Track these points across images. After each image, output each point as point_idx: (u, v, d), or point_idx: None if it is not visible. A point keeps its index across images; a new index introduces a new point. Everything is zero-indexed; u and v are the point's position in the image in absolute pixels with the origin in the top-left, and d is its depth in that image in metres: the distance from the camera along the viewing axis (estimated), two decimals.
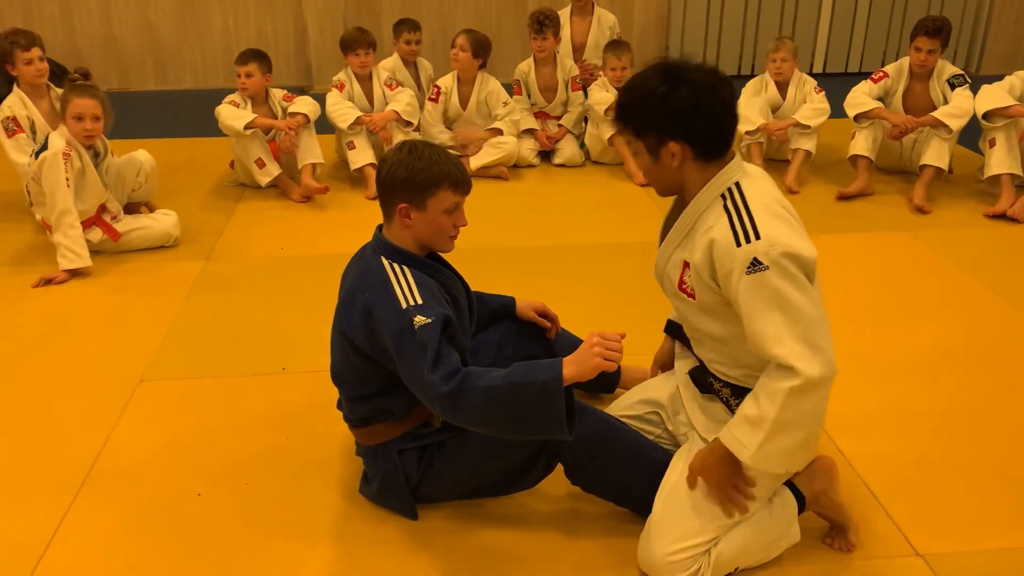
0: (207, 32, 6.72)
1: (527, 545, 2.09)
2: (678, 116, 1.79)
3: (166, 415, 2.65)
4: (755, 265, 1.73)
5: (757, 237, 1.74)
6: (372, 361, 2.02)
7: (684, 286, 1.92)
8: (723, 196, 1.83)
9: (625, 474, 2.06)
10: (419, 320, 1.90)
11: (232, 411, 2.67)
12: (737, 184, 1.83)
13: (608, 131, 4.80)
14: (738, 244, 1.75)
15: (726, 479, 1.88)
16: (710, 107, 1.79)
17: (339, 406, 2.26)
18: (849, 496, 2.17)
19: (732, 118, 1.84)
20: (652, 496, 1.99)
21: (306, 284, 3.51)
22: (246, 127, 4.34)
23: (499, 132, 4.81)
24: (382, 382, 2.06)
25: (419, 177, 2.00)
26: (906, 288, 3.50)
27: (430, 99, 4.93)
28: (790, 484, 2.06)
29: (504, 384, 1.80)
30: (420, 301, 1.94)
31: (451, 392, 1.82)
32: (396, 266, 2.02)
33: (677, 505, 1.92)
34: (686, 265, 1.89)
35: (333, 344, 2.16)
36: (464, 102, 4.92)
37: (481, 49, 4.78)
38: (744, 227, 1.76)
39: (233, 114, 4.38)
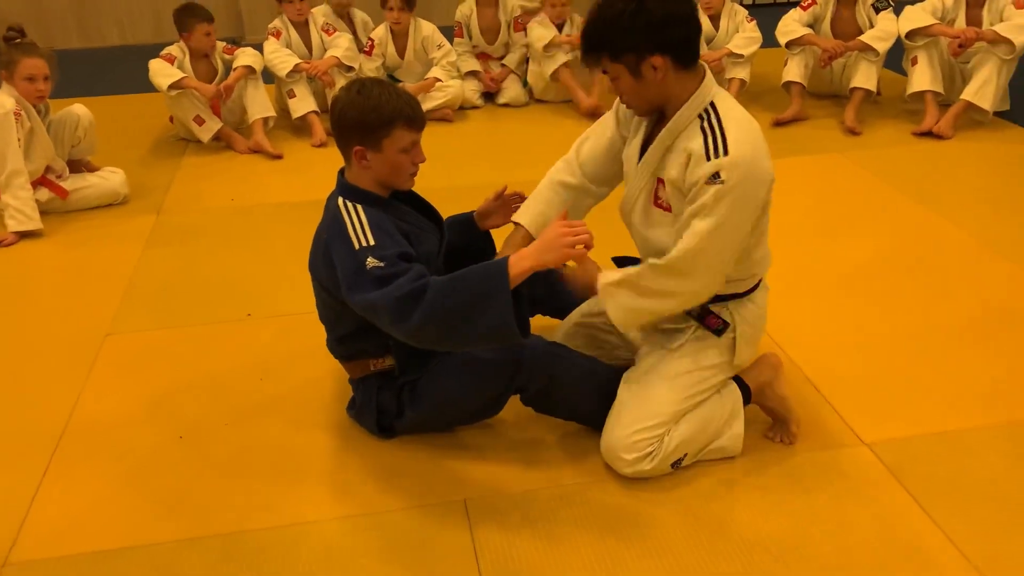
0: None
1: (497, 456, 2.22)
2: (655, 28, 1.85)
3: (137, 366, 2.68)
4: (715, 178, 1.86)
5: (725, 153, 1.87)
6: (342, 301, 2.08)
7: (660, 200, 2.04)
8: (700, 116, 1.94)
9: (577, 402, 2.21)
10: (371, 262, 1.92)
11: (203, 358, 2.71)
12: (712, 104, 1.94)
13: (551, 66, 4.83)
14: (708, 158, 1.88)
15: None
16: (681, 14, 1.89)
17: (327, 343, 2.32)
18: (796, 395, 2.33)
19: (699, 23, 1.95)
20: (601, 411, 2.14)
21: (261, 232, 3.53)
22: (170, 87, 4.24)
23: (437, 80, 4.81)
24: (355, 323, 2.11)
25: (371, 117, 2.00)
26: (841, 206, 3.68)
27: (364, 52, 4.88)
28: (736, 378, 2.23)
29: (450, 277, 1.87)
30: (373, 242, 1.96)
31: (405, 295, 1.84)
32: (350, 205, 2.04)
33: (640, 391, 2.10)
34: (660, 182, 2.02)
35: (313, 288, 2.22)
36: (401, 52, 4.90)
37: (412, 1, 4.78)
38: (716, 144, 1.88)
39: (161, 70, 4.27)
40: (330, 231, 2.05)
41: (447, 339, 1.91)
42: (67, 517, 2.08)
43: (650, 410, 2.06)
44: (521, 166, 4.10)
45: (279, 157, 4.38)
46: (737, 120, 1.93)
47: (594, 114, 4.76)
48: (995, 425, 2.30)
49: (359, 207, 2.04)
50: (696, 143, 1.91)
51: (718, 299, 2.11)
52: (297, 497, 2.12)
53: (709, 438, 2.14)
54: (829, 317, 2.83)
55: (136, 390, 2.55)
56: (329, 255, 2.04)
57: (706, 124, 1.92)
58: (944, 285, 3.00)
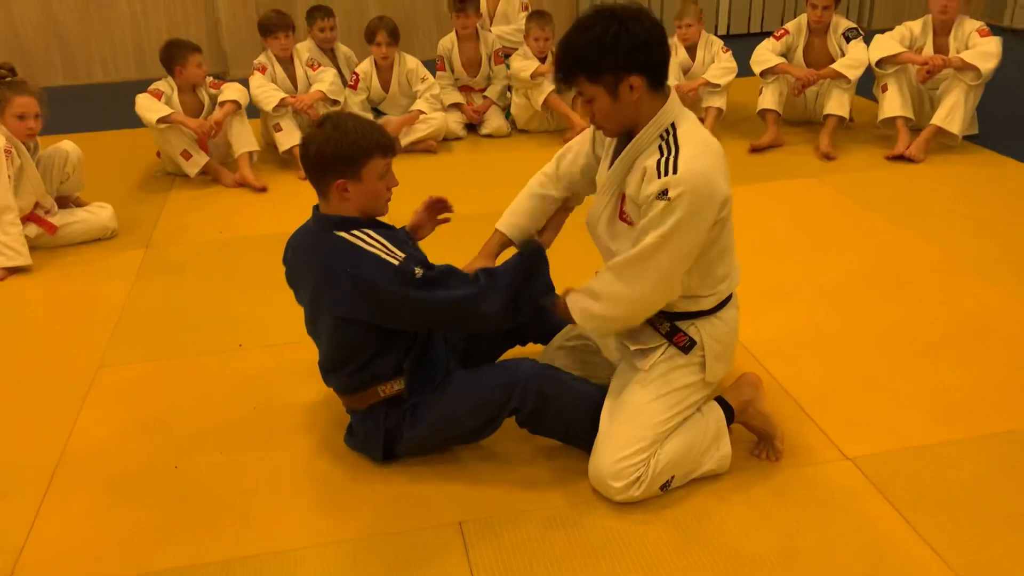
0: (115, 23, 6.57)
1: (492, 478, 2.26)
2: (635, 49, 1.94)
3: (130, 397, 2.70)
4: (663, 195, 1.94)
5: (675, 172, 1.94)
6: (368, 328, 2.13)
7: (624, 215, 2.12)
8: (661, 136, 2.02)
9: (570, 422, 2.26)
10: (419, 271, 2.05)
11: (196, 388, 2.73)
12: (673, 125, 2.03)
13: (540, 96, 4.89)
14: (659, 175, 1.96)
15: None
16: (658, 36, 1.98)
17: (327, 383, 2.35)
18: (779, 411, 2.38)
19: (669, 47, 2.05)
20: (591, 431, 2.19)
21: (251, 263, 3.57)
22: (159, 121, 4.29)
23: (421, 112, 4.88)
24: (375, 347, 2.17)
25: (350, 151, 2.06)
26: (819, 227, 3.77)
27: (349, 86, 4.96)
28: (719, 398, 2.28)
29: (508, 265, 2.20)
30: (403, 255, 2.07)
31: (483, 287, 2.11)
32: (357, 232, 2.10)
33: (620, 418, 2.15)
34: (623, 197, 2.11)
35: (320, 335, 2.25)
36: (385, 85, 4.98)
37: (398, 35, 4.88)
38: (668, 162, 1.96)
39: (149, 105, 4.33)
40: (353, 265, 2.07)
41: (514, 313, 2.19)
42: (64, 547, 2.09)
43: (632, 436, 2.10)
44: (505, 195, 4.14)
45: (264, 190, 4.42)
46: (694, 141, 2.01)
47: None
48: (973, 438, 2.36)
49: (365, 230, 2.10)
50: (652, 160, 1.99)
51: (685, 316, 2.17)
52: (293, 523, 2.15)
53: (696, 459, 2.19)
54: (809, 334, 2.90)
55: (130, 421, 2.57)
56: (360, 287, 2.06)
57: (664, 144, 2.00)
58: (920, 302, 3.08)
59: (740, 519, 2.10)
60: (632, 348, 2.23)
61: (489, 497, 2.20)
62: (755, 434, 2.33)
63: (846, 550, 1.99)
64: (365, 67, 4.96)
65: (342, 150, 2.07)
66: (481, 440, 2.33)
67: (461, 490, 2.22)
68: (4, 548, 2.08)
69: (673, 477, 2.16)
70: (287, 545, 2.07)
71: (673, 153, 1.97)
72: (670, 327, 2.18)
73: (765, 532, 2.06)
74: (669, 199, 1.94)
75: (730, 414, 2.26)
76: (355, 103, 4.92)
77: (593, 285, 2.12)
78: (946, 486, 2.18)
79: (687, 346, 2.17)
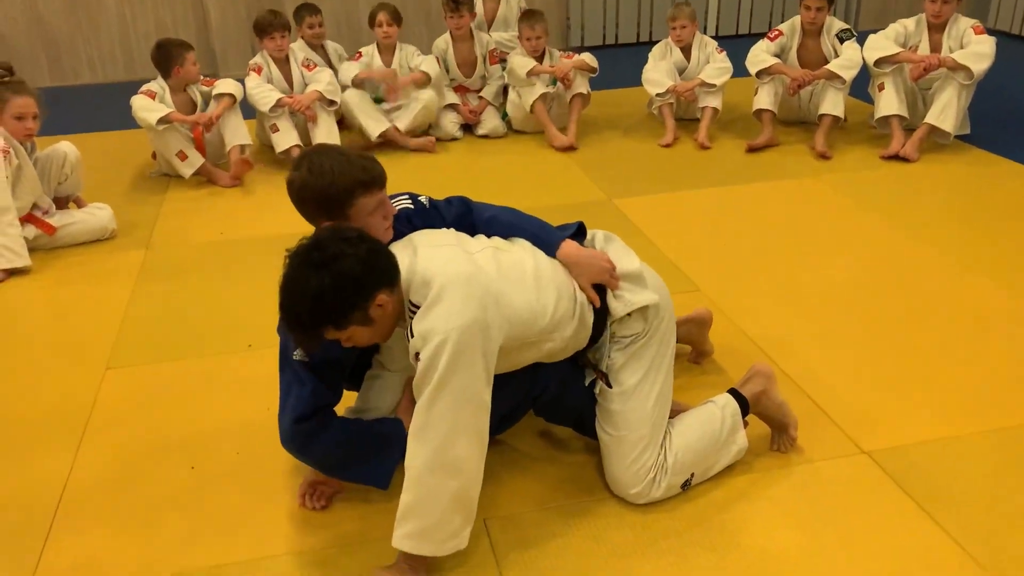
0: (103, 24, 6.50)
1: (513, 476, 2.26)
2: (365, 275, 1.80)
3: (140, 399, 2.67)
4: (415, 358, 1.84)
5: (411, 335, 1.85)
6: None
7: None
8: (408, 316, 1.91)
9: (583, 410, 2.23)
10: (299, 353, 1.98)
11: (208, 389, 2.71)
12: (411, 301, 1.89)
13: (530, 98, 4.90)
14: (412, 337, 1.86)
15: None
16: (368, 246, 1.84)
17: None
18: (793, 407, 2.37)
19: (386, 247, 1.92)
20: None
21: (253, 264, 3.54)
22: (159, 122, 4.26)
23: (425, 75, 4.84)
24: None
25: (330, 193, 1.96)
26: (819, 226, 3.80)
27: (350, 59, 5.01)
28: (732, 390, 2.30)
29: (352, 428, 2.10)
30: None
31: (300, 431, 2.02)
32: None
33: (613, 430, 2.13)
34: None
35: None
36: (387, 66, 4.99)
37: (400, 17, 4.96)
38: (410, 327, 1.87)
39: (147, 106, 4.29)
40: None
41: (322, 469, 2.14)
42: (81, 558, 2.07)
43: (630, 440, 2.10)
44: (503, 195, 4.13)
45: (251, 166, 4.45)
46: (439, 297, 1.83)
47: (570, 149, 4.85)
48: (983, 432, 2.39)
49: None
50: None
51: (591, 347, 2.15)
52: (319, 523, 2.13)
53: (715, 455, 2.20)
54: (815, 332, 2.92)
55: (142, 422, 2.54)
56: None
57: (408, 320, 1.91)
58: (921, 299, 3.12)
59: (762, 516, 2.11)
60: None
61: (512, 494, 2.20)
62: (769, 424, 2.34)
63: (870, 545, 2.01)
64: (368, 50, 5.02)
65: (319, 194, 1.97)
66: (500, 435, 2.32)
67: (483, 490, 2.20)
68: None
69: (693, 475, 2.17)
70: (312, 545, 2.06)
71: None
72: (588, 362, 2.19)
73: (788, 529, 2.07)
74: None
75: (745, 406, 2.28)
76: (351, 72, 4.92)
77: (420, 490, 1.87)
78: (962, 480, 2.21)
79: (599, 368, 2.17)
